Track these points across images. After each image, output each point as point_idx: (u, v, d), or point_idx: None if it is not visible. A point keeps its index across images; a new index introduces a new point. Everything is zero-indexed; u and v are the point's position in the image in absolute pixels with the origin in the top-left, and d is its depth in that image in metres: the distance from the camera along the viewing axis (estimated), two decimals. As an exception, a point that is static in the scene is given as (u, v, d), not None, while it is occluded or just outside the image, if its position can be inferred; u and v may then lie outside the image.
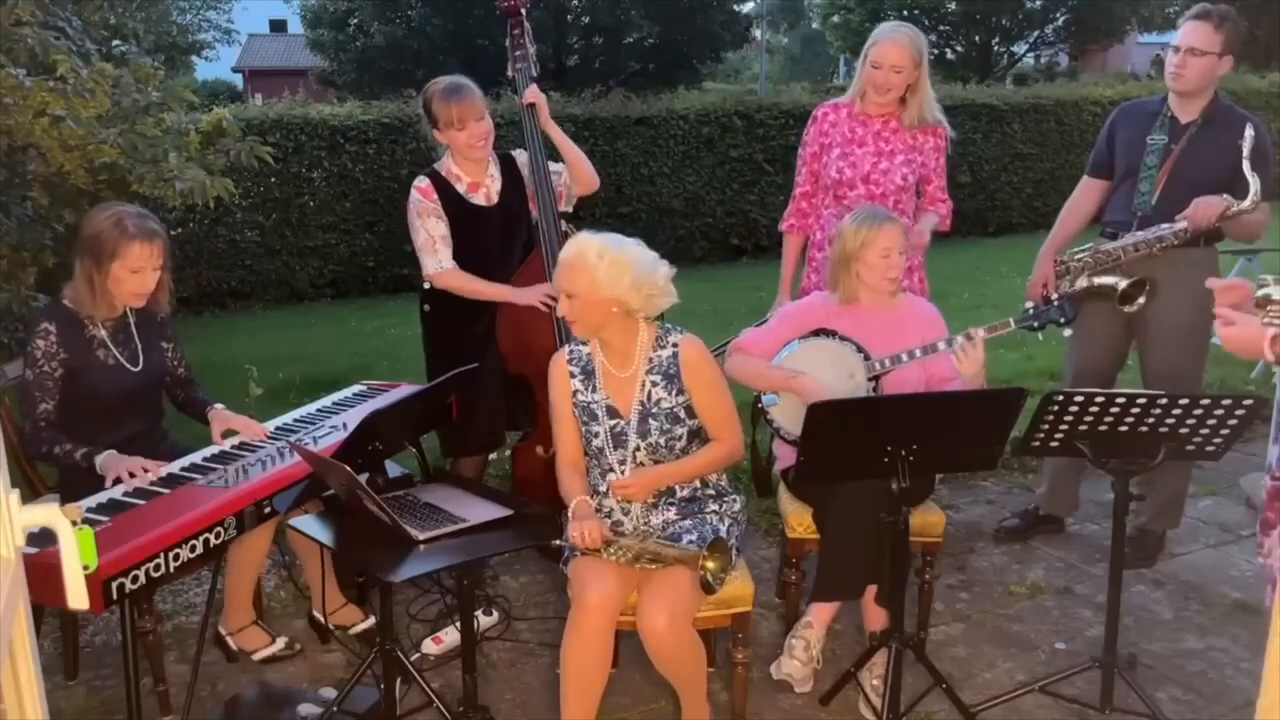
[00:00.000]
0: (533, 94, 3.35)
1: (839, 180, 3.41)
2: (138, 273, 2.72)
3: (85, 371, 2.75)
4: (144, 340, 2.88)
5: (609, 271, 2.46)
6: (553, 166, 3.38)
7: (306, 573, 3.13)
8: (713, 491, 2.67)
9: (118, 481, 2.62)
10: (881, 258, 2.87)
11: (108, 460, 2.67)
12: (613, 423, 2.59)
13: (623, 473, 2.58)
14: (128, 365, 2.83)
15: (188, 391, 3.04)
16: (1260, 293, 1.63)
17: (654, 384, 2.58)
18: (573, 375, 2.63)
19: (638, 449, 2.58)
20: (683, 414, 2.59)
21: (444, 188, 3.25)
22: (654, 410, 2.57)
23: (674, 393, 2.58)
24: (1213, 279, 2.05)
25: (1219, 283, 2.02)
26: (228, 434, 2.92)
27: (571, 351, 2.67)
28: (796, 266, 3.67)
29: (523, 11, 3.45)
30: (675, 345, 2.59)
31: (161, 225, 2.81)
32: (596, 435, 2.60)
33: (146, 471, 2.64)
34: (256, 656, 2.96)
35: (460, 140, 3.21)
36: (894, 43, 3.32)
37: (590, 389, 2.61)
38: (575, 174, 3.40)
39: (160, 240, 2.75)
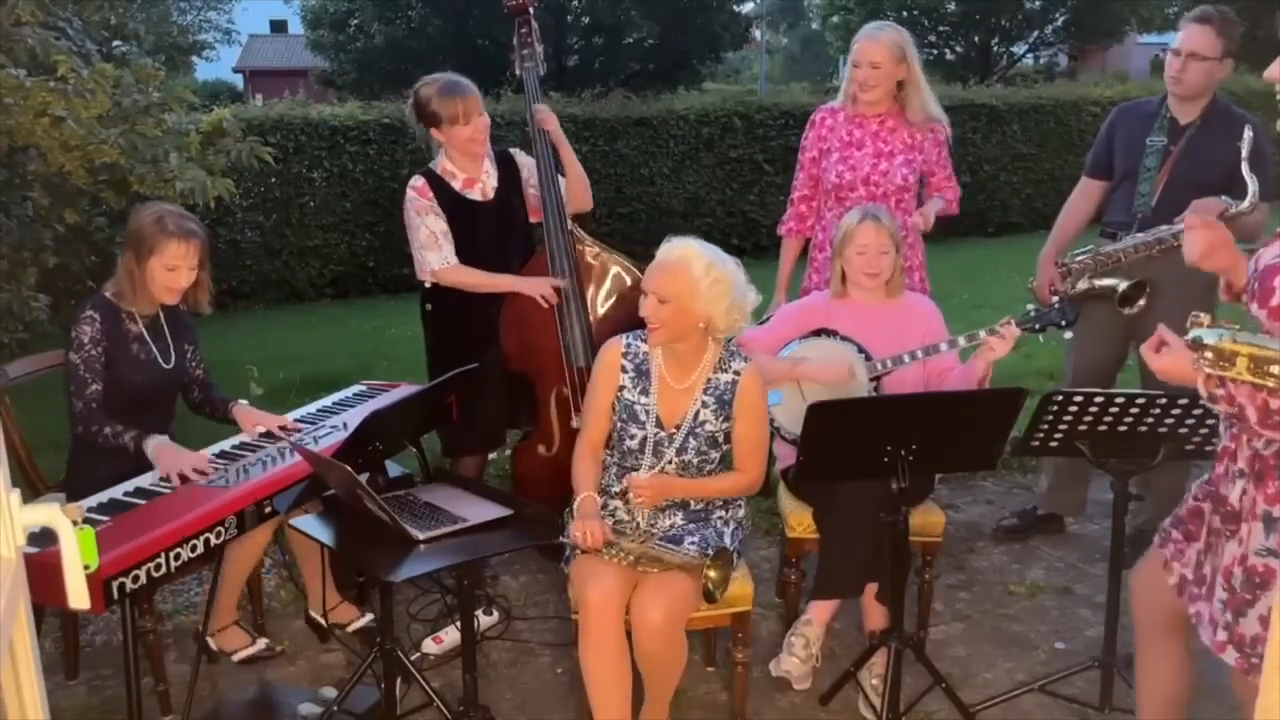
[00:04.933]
0: (544, 116, 3.32)
1: (839, 184, 3.41)
2: (173, 270, 2.79)
3: (119, 363, 2.82)
4: (174, 339, 2.95)
5: (712, 289, 2.43)
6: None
7: (303, 572, 3.12)
8: (720, 500, 2.65)
9: (165, 478, 2.66)
10: (857, 253, 2.89)
11: (159, 449, 2.71)
12: (655, 431, 2.57)
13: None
14: (160, 360, 2.90)
15: (206, 393, 3.07)
16: (1191, 335, 1.62)
17: (705, 405, 2.55)
18: (624, 370, 2.60)
19: (670, 462, 2.57)
20: (721, 439, 2.59)
21: (439, 185, 3.26)
22: (698, 431, 2.56)
23: (720, 418, 2.56)
24: (1191, 216, 2.09)
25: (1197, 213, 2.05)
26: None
27: (629, 345, 2.62)
28: (793, 270, 3.67)
29: (530, 10, 3.45)
30: (737, 373, 2.56)
31: (202, 227, 2.88)
32: (633, 437, 2.58)
33: (200, 473, 2.67)
34: (236, 657, 2.94)
35: (464, 135, 3.21)
36: (871, 39, 3.35)
37: (640, 390, 2.58)
38: (574, 192, 3.39)
39: (197, 240, 2.82)
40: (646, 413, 2.57)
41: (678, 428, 2.56)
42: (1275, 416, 1.68)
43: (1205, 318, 1.62)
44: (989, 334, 2.81)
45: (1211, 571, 1.98)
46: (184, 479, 2.64)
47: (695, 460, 2.57)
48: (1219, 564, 1.93)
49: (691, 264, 2.43)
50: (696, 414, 2.56)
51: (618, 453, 2.63)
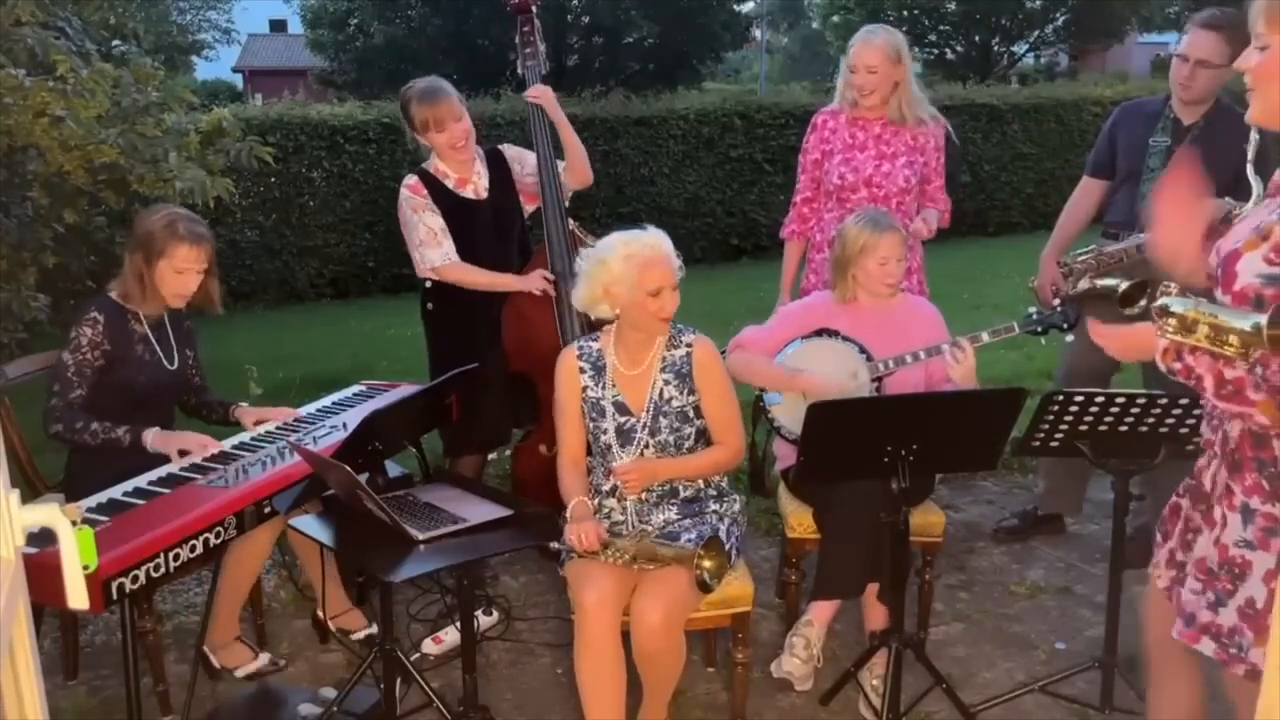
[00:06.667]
0: (536, 92, 3.37)
1: (841, 185, 3.41)
2: (182, 274, 2.82)
3: (124, 364, 2.82)
4: (177, 342, 2.97)
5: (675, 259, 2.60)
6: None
7: (309, 573, 3.12)
8: (714, 492, 2.68)
9: (184, 453, 2.73)
10: (879, 265, 2.88)
11: (156, 437, 2.75)
12: (622, 419, 2.60)
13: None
14: (165, 361, 2.91)
15: (200, 397, 3.08)
16: (1159, 303, 1.63)
17: (666, 382, 2.60)
18: (583, 371, 2.65)
19: (646, 446, 2.59)
20: (692, 413, 2.61)
21: (433, 184, 3.26)
22: (665, 409, 2.59)
23: (685, 392, 2.60)
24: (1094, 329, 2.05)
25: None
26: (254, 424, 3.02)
27: (581, 348, 2.69)
28: (797, 273, 3.67)
29: (533, 9, 3.45)
30: (689, 345, 2.62)
31: (210, 230, 2.90)
32: (605, 431, 2.61)
33: (205, 448, 2.77)
34: (239, 673, 2.91)
35: (441, 142, 3.23)
36: (866, 43, 3.34)
37: (600, 385, 2.63)
38: (574, 168, 3.42)
39: (207, 244, 2.84)
40: (613, 403, 2.61)
41: (645, 410, 2.60)
42: (1229, 386, 1.70)
43: (1174, 286, 1.65)
44: (963, 344, 2.81)
45: (1182, 564, 1.98)
46: (184, 453, 2.73)
47: (671, 439, 2.60)
48: (1191, 556, 1.93)
49: (663, 244, 2.60)
50: (661, 392, 2.60)
51: (598, 452, 2.65)
